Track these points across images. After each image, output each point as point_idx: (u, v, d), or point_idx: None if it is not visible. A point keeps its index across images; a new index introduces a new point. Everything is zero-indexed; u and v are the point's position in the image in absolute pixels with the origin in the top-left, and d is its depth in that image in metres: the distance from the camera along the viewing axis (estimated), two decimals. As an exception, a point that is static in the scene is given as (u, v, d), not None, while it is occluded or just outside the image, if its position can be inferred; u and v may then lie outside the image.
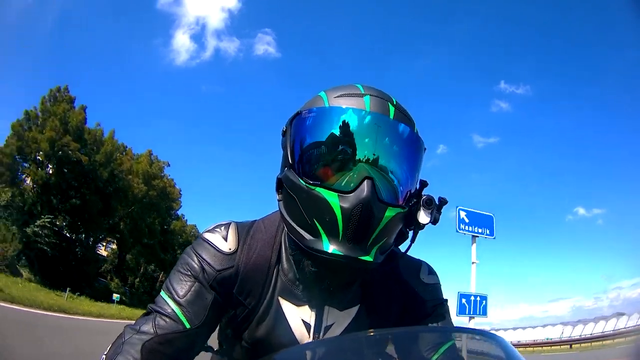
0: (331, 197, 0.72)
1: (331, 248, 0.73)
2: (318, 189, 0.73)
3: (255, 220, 0.98)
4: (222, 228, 0.92)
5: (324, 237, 0.74)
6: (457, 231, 6.86)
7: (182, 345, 0.83)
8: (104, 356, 0.80)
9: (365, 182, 0.71)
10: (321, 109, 0.79)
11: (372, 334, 0.80)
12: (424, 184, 0.82)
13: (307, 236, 0.76)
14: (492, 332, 0.76)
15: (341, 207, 0.71)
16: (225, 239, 0.90)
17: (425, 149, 0.83)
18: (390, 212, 0.74)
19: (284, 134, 0.85)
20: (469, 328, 0.79)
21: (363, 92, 0.79)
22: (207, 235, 0.92)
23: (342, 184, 0.73)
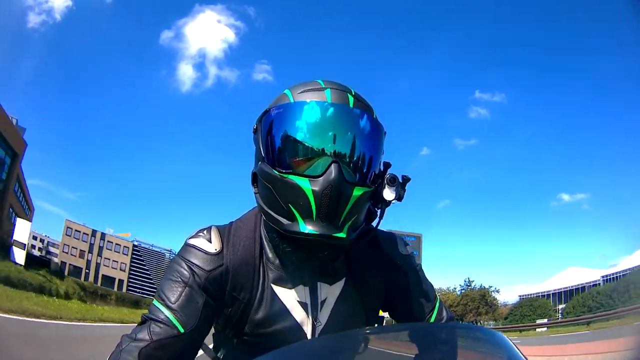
0: (303, 182, 0.78)
1: (307, 228, 0.79)
2: (290, 176, 0.79)
3: (232, 222, 1.01)
4: (205, 232, 0.95)
5: (299, 219, 0.79)
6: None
7: (177, 349, 0.83)
8: None
9: (333, 165, 0.77)
10: (287, 105, 0.84)
11: (368, 331, 0.80)
12: (387, 164, 0.89)
13: (284, 221, 0.81)
14: (492, 329, 0.74)
15: (313, 191, 0.77)
16: (210, 241, 0.93)
17: (385, 132, 0.89)
18: (357, 192, 0.81)
19: (255, 131, 0.91)
20: (471, 326, 0.78)
21: (324, 86, 0.84)
22: (192, 241, 0.94)
23: (312, 170, 0.79)
